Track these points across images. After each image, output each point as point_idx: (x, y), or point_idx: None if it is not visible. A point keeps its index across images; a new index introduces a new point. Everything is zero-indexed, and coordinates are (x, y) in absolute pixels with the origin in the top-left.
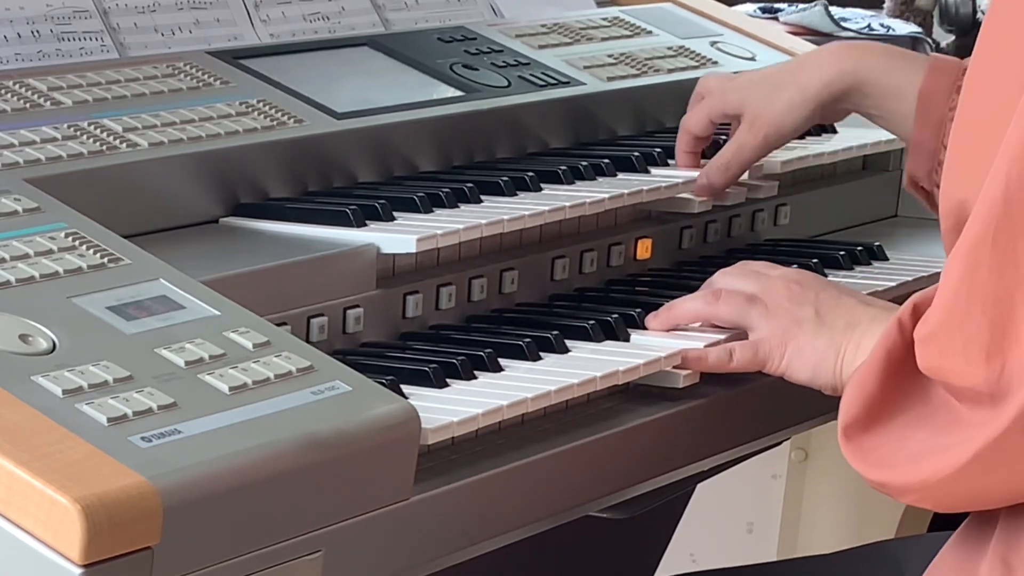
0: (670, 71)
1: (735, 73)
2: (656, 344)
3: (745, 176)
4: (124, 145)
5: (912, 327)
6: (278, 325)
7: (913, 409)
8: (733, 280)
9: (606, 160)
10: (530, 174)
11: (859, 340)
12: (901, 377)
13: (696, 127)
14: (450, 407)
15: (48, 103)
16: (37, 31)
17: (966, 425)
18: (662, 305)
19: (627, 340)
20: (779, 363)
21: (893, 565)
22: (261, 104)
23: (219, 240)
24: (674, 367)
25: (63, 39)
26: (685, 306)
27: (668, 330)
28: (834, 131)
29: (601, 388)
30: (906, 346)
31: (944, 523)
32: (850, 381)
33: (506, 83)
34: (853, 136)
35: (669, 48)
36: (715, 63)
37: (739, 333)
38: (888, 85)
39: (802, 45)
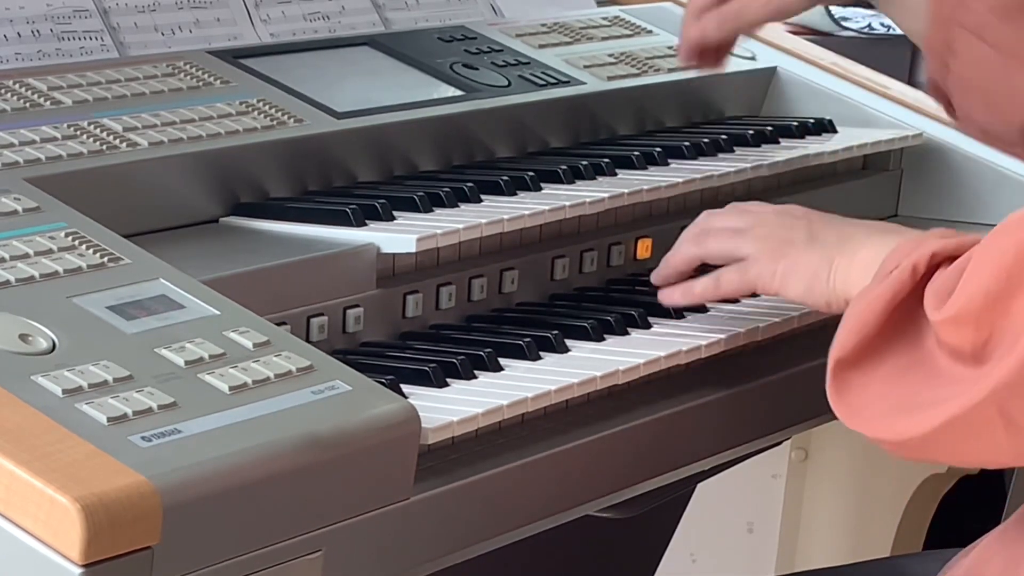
0: (670, 71)
1: None
2: (657, 343)
3: None
4: (124, 145)
5: (925, 274)
6: (278, 325)
7: (904, 356)
8: (722, 219)
9: (606, 160)
10: (530, 174)
11: (853, 252)
12: (901, 321)
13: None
14: (450, 407)
15: (48, 103)
16: (37, 31)
17: (946, 380)
18: (662, 305)
19: (627, 340)
20: (772, 281)
21: None
22: (261, 104)
23: (219, 240)
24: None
25: (63, 39)
26: (678, 254)
27: (671, 281)
28: (834, 131)
29: (601, 388)
30: (914, 291)
31: (944, 521)
32: (850, 314)
33: (506, 83)
34: (853, 136)
35: (669, 48)
36: None
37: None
38: None
39: (802, 44)
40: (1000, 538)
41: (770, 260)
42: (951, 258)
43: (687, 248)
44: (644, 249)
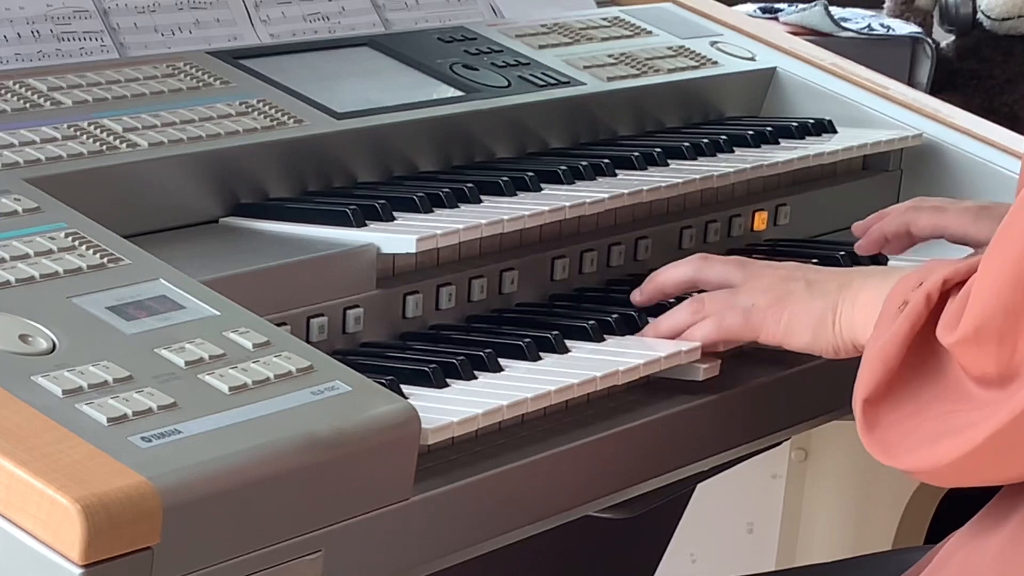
0: (670, 71)
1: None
2: (656, 344)
3: None
4: (124, 145)
5: (939, 301)
6: (278, 325)
7: (931, 386)
8: (720, 264)
9: (606, 160)
10: (530, 174)
11: (855, 296)
12: (922, 353)
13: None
14: (450, 407)
15: (48, 103)
16: (37, 31)
17: (976, 404)
18: (663, 306)
19: (627, 340)
20: (776, 330)
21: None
22: (261, 104)
23: (219, 240)
24: (693, 361)
25: (63, 39)
26: (669, 272)
27: (653, 301)
28: (834, 131)
29: (601, 388)
30: (930, 320)
31: (944, 521)
32: (870, 354)
33: (506, 83)
34: (853, 136)
35: (669, 48)
36: (715, 63)
37: None
38: None
39: (802, 45)
40: (964, 533)
41: (773, 309)
42: (963, 283)
43: (681, 268)
44: (645, 249)
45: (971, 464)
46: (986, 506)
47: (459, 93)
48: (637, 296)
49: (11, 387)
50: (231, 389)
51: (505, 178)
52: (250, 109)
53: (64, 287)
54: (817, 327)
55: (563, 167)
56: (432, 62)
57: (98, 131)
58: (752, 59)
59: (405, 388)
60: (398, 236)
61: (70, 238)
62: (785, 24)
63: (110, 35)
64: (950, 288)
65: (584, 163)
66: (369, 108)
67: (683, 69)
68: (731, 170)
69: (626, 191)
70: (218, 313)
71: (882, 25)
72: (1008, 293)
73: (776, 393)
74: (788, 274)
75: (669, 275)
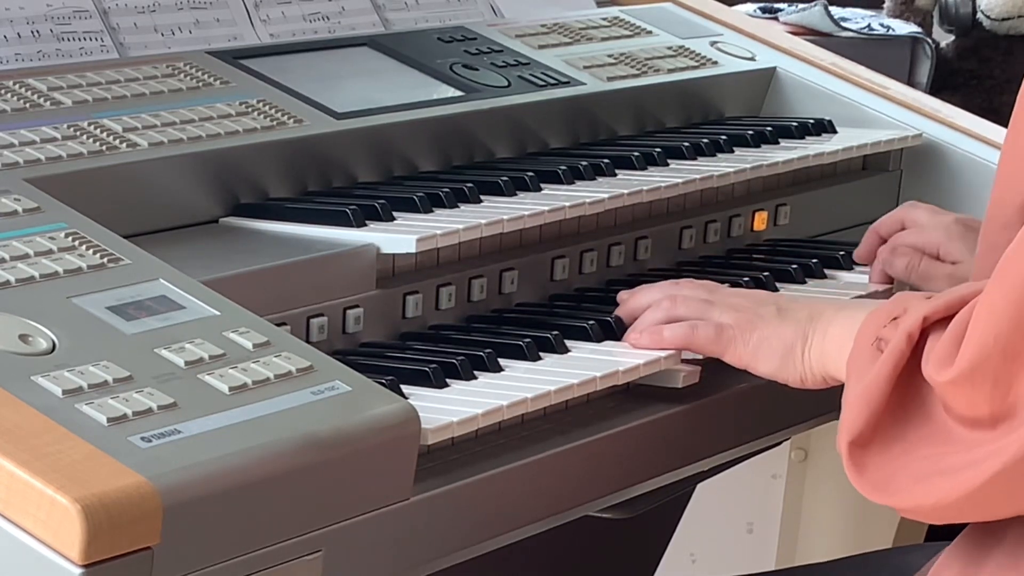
0: (670, 71)
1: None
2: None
3: None
4: (124, 145)
5: (919, 340)
6: (278, 325)
7: (917, 427)
8: (689, 288)
9: (606, 160)
10: (530, 174)
11: (825, 328)
12: (907, 393)
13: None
14: (450, 407)
15: (48, 103)
16: (37, 31)
17: (965, 446)
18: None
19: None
20: (744, 351)
21: (897, 575)
22: (261, 104)
23: (219, 240)
24: (673, 366)
25: (63, 39)
26: (644, 319)
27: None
28: (834, 131)
29: (601, 388)
30: (913, 359)
31: (943, 525)
32: (853, 390)
33: (506, 83)
34: (853, 136)
35: (669, 48)
36: (715, 63)
37: None
38: None
39: (802, 45)
40: (960, 542)
41: (744, 330)
42: (945, 319)
43: (656, 316)
44: (644, 249)
45: (972, 503)
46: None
47: (459, 93)
48: (632, 338)
49: (11, 387)
50: (231, 389)
51: (505, 178)
52: (250, 109)
53: (64, 287)
54: (785, 354)
55: (563, 167)
56: (432, 62)
57: (98, 131)
58: (752, 59)
59: (405, 388)
60: (398, 236)
61: (70, 238)
62: (785, 24)
63: (110, 35)
64: (930, 325)
65: (584, 163)
66: (369, 108)
67: (683, 69)
68: (731, 170)
69: (626, 191)
70: (218, 313)
71: (882, 25)
72: (1007, 334)
73: (776, 393)
74: (760, 298)
75: (644, 321)
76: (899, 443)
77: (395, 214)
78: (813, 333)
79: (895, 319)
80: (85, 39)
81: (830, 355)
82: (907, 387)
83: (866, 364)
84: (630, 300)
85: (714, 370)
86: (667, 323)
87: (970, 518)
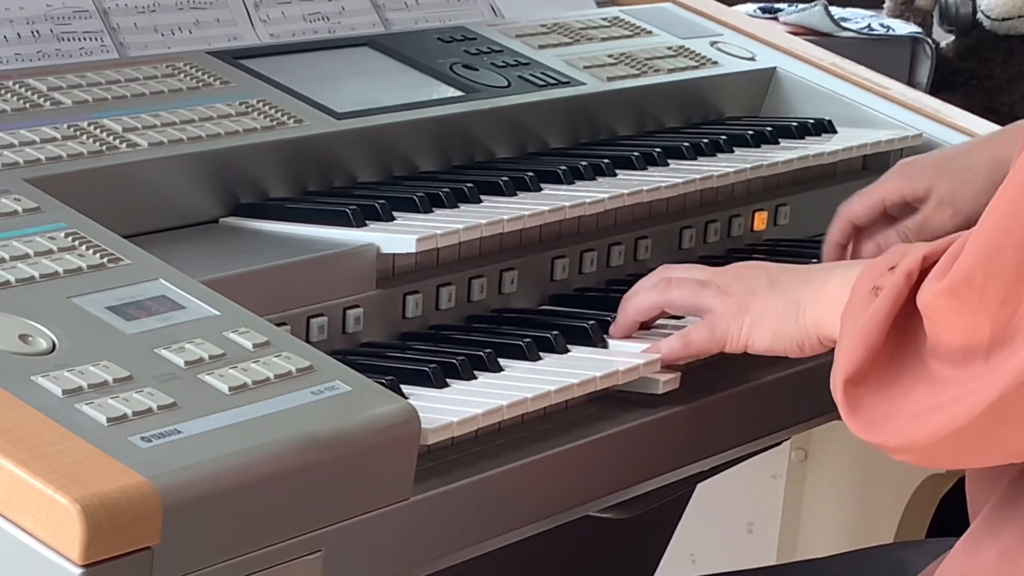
0: (670, 71)
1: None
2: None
3: None
4: (124, 145)
5: (919, 278)
6: (278, 325)
7: (913, 364)
8: (682, 270)
9: (606, 160)
10: (530, 174)
11: (819, 287)
12: (904, 332)
13: (859, 215)
14: (450, 407)
15: (48, 103)
16: (37, 31)
17: (960, 382)
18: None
19: (627, 340)
20: (738, 335)
21: (896, 569)
22: (261, 104)
23: (219, 240)
24: (653, 373)
25: (63, 39)
26: (638, 301)
27: (630, 332)
28: (834, 131)
29: (600, 388)
30: (911, 298)
31: (944, 521)
32: (849, 330)
33: (506, 83)
34: (853, 136)
35: (669, 48)
36: (715, 63)
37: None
38: None
39: (802, 45)
40: (964, 543)
41: (735, 316)
42: None
43: (647, 296)
44: (645, 249)
45: (967, 439)
46: (981, 515)
47: (459, 93)
48: (613, 331)
49: (11, 387)
50: (231, 389)
51: (505, 178)
52: (250, 109)
53: (64, 287)
54: (779, 325)
55: (563, 167)
56: (432, 62)
57: (98, 131)
58: (752, 59)
59: (405, 388)
60: (398, 236)
61: (70, 238)
62: (785, 24)
63: (110, 35)
64: (931, 264)
65: (584, 163)
66: (369, 108)
67: (683, 69)
68: (731, 170)
69: (626, 191)
70: (218, 313)
71: (882, 25)
72: (1013, 246)
73: (776, 393)
74: (751, 273)
75: (638, 304)
76: (895, 384)
77: (395, 214)
78: (806, 295)
79: (892, 268)
80: (85, 39)
81: (826, 315)
82: (905, 326)
83: (861, 308)
84: (626, 309)
85: (714, 370)
86: (658, 305)
87: (963, 462)
